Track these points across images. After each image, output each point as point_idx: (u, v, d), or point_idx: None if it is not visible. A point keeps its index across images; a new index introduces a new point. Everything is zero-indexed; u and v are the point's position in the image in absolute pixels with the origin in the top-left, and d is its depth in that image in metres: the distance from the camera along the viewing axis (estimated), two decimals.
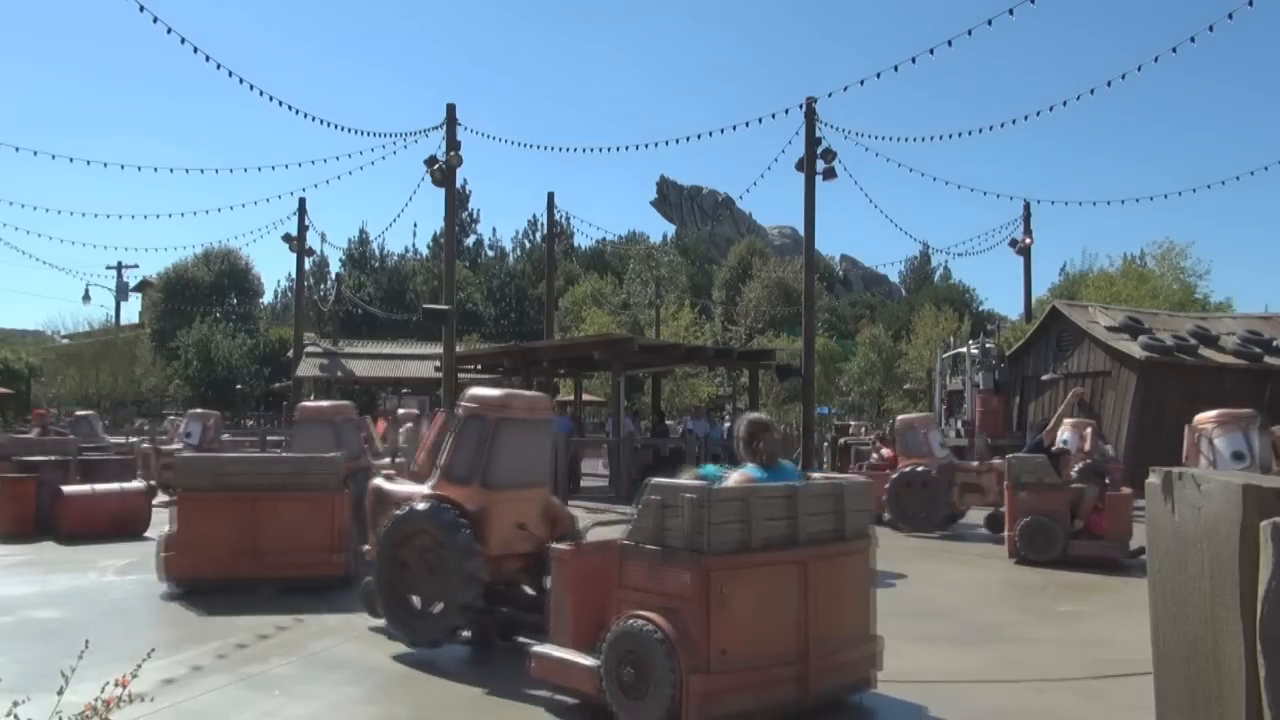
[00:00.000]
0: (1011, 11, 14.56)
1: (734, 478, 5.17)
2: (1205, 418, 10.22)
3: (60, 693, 3.08)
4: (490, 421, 6.30)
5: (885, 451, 15.39)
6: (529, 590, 6.44)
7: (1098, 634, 7.21)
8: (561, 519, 6.74)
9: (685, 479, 5.10)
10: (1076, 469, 11.11)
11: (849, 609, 5.15)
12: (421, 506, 6.21)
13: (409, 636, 6.28)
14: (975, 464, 14.20)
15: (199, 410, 20.24)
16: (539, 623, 5.65)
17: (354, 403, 16.21)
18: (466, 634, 6.42)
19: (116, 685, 3.12)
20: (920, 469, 13.52)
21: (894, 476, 13.55)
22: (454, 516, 6.06)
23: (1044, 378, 21.79)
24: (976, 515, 13.82)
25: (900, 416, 16.09)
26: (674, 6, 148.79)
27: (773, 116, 20.17)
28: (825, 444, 23.52)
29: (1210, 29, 14.75)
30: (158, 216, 51.44)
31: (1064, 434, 14.05)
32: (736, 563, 4.65)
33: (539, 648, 5.19)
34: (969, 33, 15.86)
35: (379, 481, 7.27)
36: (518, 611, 6.32)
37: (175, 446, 17.59)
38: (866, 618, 5.27)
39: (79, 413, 24.75)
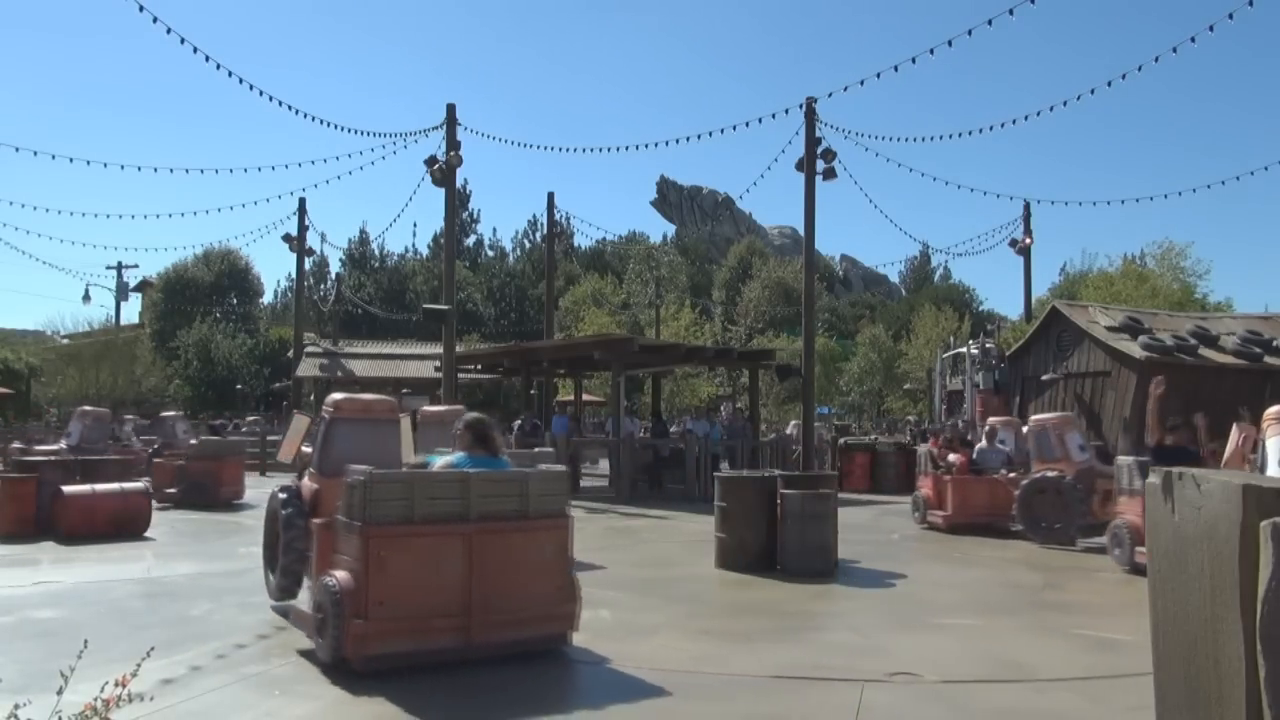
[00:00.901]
0: (1011, 12, 14.58)
1: (439, 464, 6.38)
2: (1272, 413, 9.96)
3: (60, 693, 3.08)
4: (328, 421, 7.40)
5: (954, 457, 14.27)
6: None
7: (1098, 634, 7.21)
8: None
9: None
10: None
11: (527, 576, 6.08)
12: (277, 491, 7.45)
13: (273, 595, 7.54)
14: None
15: (86, 408, 18.80)
16: None
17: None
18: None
19: (116, 685, 3.12)
20: (1053, 475, 12.51)
21: (1024, 483, 12.74)
22: (287, 499, 7.22)
23: (1044, 378, 21.78)
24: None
25: (1033, 417, 14.64)
26: (674, 7, 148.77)
27: (773, 116, 20.19)
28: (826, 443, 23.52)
29: (1210, 29, 14.77)
30: (158, 216, 51.59)
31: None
32: (394, 532, 5.70)
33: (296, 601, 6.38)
34: (969, 33, 15.88)
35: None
36: None
37: (54, 448, 16.87)
38: (554, 584, 6.19)
39: (164, 413, 24.19)
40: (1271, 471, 7.90)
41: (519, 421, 21.25)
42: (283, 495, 7.27)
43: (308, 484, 7.35)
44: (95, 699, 3.13)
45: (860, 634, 7.19)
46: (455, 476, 6.00)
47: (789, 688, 5.66)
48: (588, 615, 6.68)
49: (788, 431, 24.36)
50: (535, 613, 6.10)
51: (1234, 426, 10.08)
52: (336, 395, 7.86)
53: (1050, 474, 12.58)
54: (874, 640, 6.97)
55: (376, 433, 7.51)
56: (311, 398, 33.87)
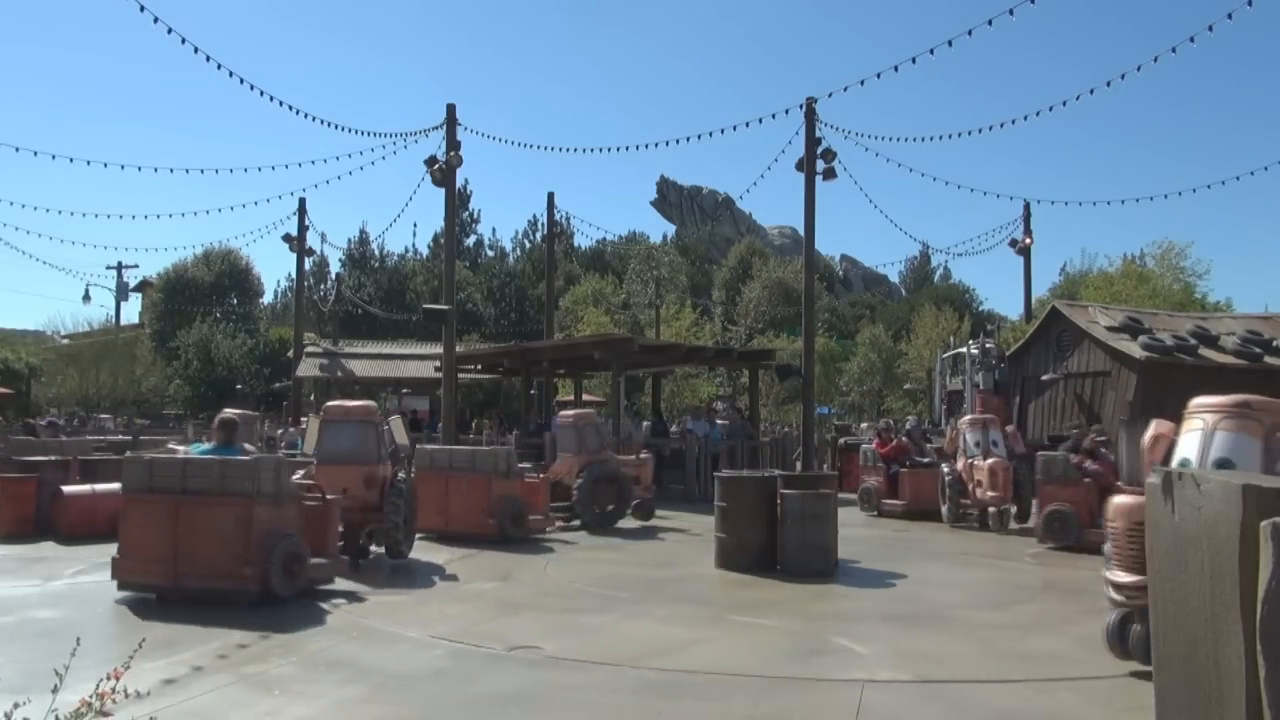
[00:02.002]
0: (1012, 11, 14.58)
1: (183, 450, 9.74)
2: (963, 421, 13.34)
3: (55, 691, 3.08)
4: (321, 421, 10.58)
5: (1091, 465, 13.13)
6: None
7: (1098, 634, 7.21)
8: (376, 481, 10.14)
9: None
10: None
11: (217, 536, 7.76)
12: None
13: None
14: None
15: None
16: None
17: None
18: None
19: (108, 678, 3.12)
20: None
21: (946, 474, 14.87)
22: None
23: (1044, 378, 21.77)
24: None
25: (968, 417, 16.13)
26: (674, 6, 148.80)
27: (773, 116, 20.19)
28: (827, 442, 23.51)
29: (1210, 29, 14.77)
30: (158, 216, 51.62)
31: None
32: (136, 498, 8.14)
33: None
34: (969, 33, 15.87)
35: None
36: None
37: None
38: (236, 547, 7.70)
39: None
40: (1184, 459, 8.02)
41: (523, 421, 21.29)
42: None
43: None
44: (91, 696, 3.13)
45: (860, 634, 7.19)
46: (178, 462, 8.27)
47: (790, 687, 5.66)
48: (589, 618, 6.65)
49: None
50: (220, 568, 7.76)
51: (1153, 421, 10.26)
52: (330, 403, 9.65)
53: (602, 462, 14.39)
54: (874, 640, 6.97)
55: (355, 430, 10.33)
56: (312, 398, 33.87)
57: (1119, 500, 6.18)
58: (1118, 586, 5.85)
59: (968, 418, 15.46)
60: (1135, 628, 5.75)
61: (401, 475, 10.57)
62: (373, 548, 10.43)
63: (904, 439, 16.80)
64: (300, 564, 7.99)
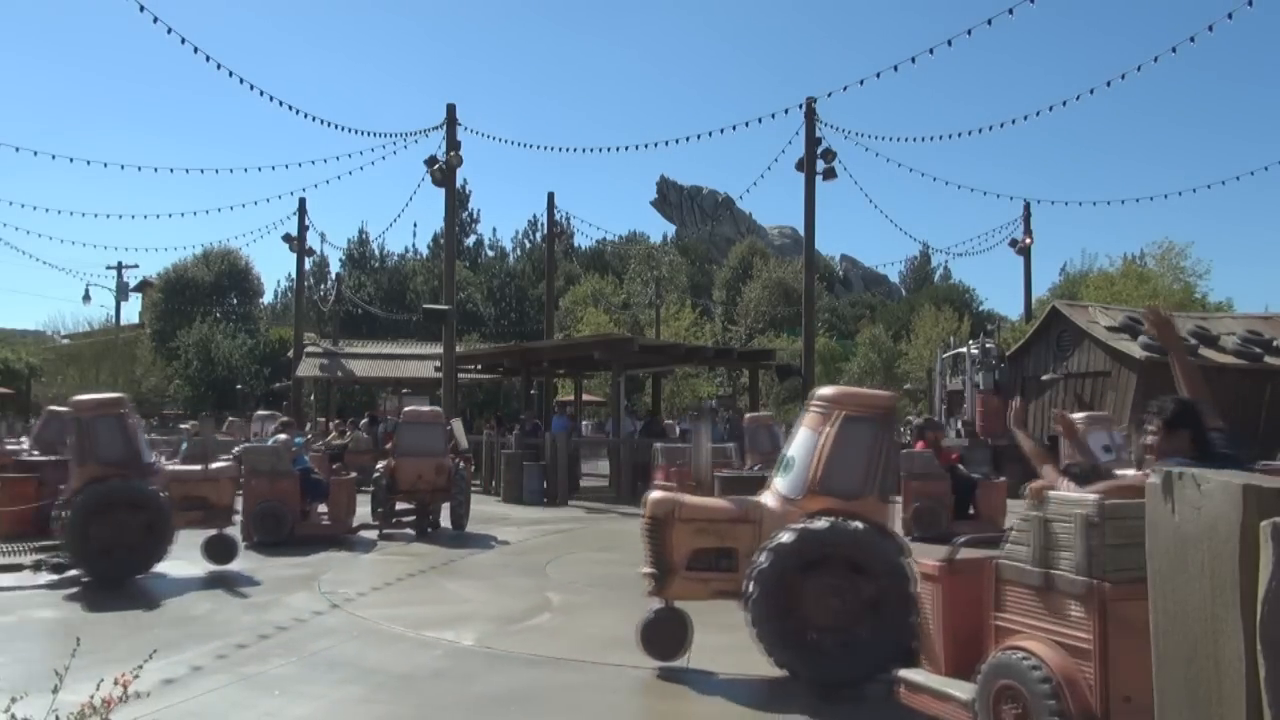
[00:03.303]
0: (1011, 11, 14.60)
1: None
2: (1075, 419, 11.09)
3: (55, 691, 3.08)
4: (400, 423, 13.25)
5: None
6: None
7: None
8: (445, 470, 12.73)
9: None
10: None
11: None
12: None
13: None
14: None
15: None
16: None
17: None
18: None
19: (116, 684, 3.12)
20: None
21: None
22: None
23: (1044, 378, 21.79)
24: None
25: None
26: (674, 6, 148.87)
27: (773, 116, 20.22)
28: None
29: (1210, 29, 14.79)
30: (158, 216, 51.69)
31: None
32: None
33: None
34: (969, 32, 15.90)
35: None
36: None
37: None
38: None
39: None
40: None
41: (520, 419, 21.31)
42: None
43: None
44: (93, 697, 3.13)
45: None
46: None
47: (790, 687, 5.66)
48: (581, 618, 6.66)
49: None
50: None
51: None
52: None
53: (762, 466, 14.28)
54: None
55: (430, 429, 13.14)
56: (312, 398, 33.87)
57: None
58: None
59: (1082, 415, 11.65)
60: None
61: (461, 465, 13.17)
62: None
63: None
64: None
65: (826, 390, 6.19)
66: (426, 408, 13.97)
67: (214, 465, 10.51)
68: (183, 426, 23.91)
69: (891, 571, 5.41)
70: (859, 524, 5.53)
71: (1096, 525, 3.82)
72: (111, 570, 8.80)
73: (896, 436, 5.71)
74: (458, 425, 13.40)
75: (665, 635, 6.04)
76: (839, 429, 5.76)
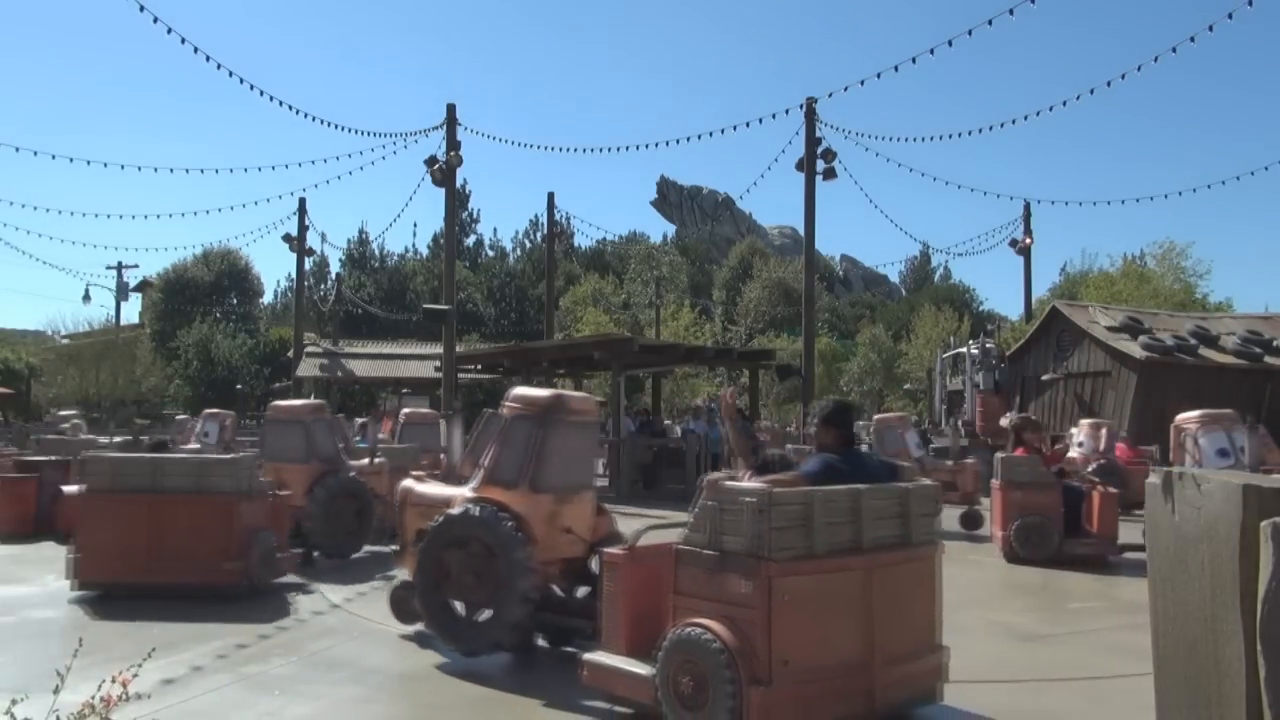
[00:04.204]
0: (1012, 11, 14.60)
1: None
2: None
3: (56, 692, 3.08)
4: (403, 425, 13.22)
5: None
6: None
7: (1097, 634, 7.21)
8: None
9: None
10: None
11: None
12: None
13: None
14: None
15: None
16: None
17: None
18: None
19: (114, 682, 3.12)
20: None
21: None
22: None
23: (1044, 378, 21.79)
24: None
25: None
26: (674, 6, 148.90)
27: (773, 116, 20.22)
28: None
29: (1210, 29, 14.79)
30: (158, 216, 51.60)
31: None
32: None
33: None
34: (969, 33, 15.89)
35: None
36: None
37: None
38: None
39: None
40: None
41: None
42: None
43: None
44: (94, 697, 3.13)
45: None
46: None
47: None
48: None
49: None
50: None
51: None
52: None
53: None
54: None
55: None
56: (311, 398, 33.85)
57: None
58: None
59: (1198, 414, 10.31)
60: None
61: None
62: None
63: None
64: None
65: (510, 391, 6.77)
66: (426, 410, 14.01)
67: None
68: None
69: (509, 557, 5.86)
70: (488, 511, 6.01)
71: (763, 511, 4.32)
72: (346, 550, 10.24)
73: (566, 434, 6.30)
74: (442, 424, 13.06)
75: (406, 602, 6.64)
76: (507, 426, 6.34)
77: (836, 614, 4.55)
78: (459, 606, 6.10)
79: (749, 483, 4.70)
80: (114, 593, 7.76)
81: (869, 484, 4.81)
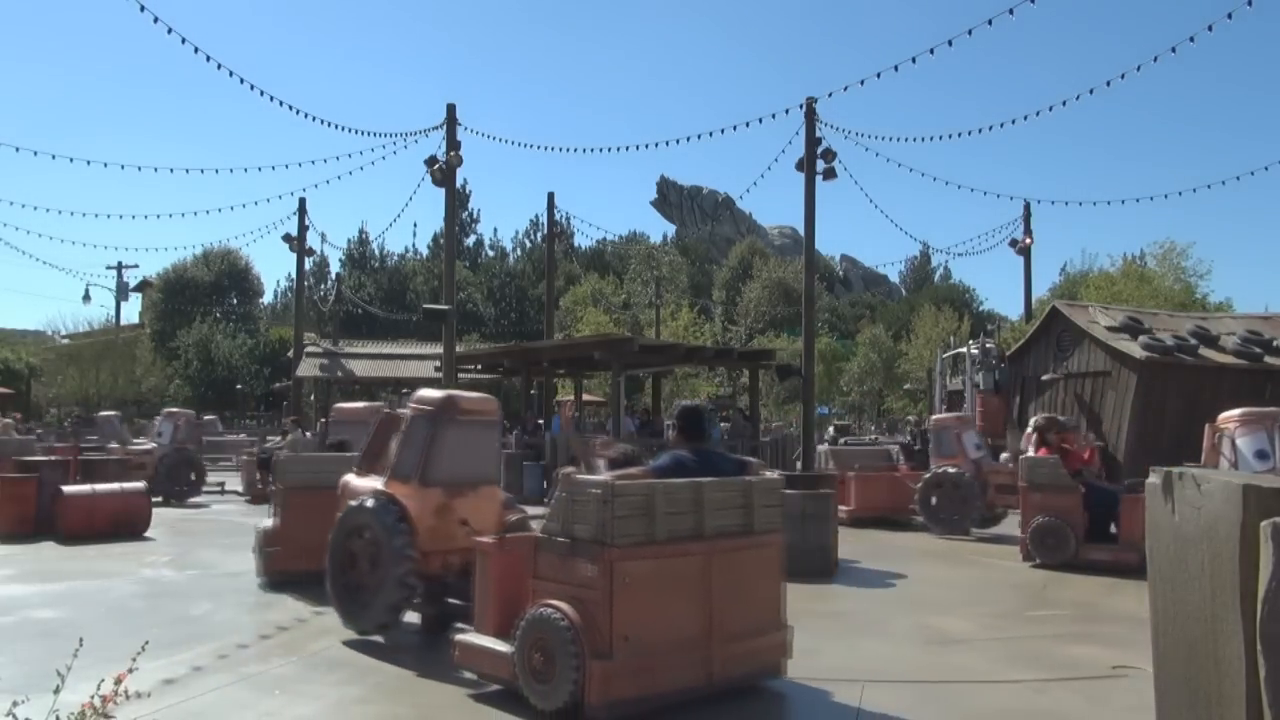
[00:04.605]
0: (1011, 11, 14.56)
1: None
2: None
3: (56, 691, 3.08)
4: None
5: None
6: None
7: (1098, 634, 7.21)
8: None
9: None
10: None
11: None
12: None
13: None
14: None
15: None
16: None
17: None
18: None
19: (115, 683, 3.12)
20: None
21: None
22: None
23: (1044, 378, 21.76)
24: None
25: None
26: (674, 6, 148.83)
27: (773, 116, 20.15)
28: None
29: (1210, 28, 14.75)
30: (158, 216, 51.50)
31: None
32: None
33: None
34: (969, 32, 15.85)
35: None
36: None
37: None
38: None
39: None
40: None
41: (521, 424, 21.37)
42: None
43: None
44: (93, 697, 3.13)
45: (860, 633, 7.19)
46: None
47: (789, 687, 5.66)
48: None
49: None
50: None
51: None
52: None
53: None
54: (873, 639, 6.97)
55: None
56: (312, 398, 33.86)
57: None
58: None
59: (1239, 412, 9.62)
60: None
61: None
62: None
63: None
64: None
65: (414, 393, 7.29)
66: (362, 404, 13.60)
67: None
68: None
69: (389, 545, 6.38)
70: (379, 503, 6.55)
71: (607, 502, 4.77)
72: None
73: (459, 432, 6.74)
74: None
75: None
76: (407, 425, 6.84)
77: (676, 595, 5.01)
78: (359, 589, 6.61)
79: (600, 476, 5.14)
80: (305, 581, 8.09)
81: (716, 478, 5.28)
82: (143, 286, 54.55)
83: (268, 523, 9.04)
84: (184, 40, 15.77)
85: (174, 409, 18.76)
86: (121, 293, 43.72)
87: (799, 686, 5.66)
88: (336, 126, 27.79)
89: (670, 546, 4.95)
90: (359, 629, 6.66)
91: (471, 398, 7.32)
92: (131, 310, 53.01)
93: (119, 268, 42.51)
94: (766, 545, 5.44)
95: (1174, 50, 15.70)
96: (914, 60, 17.01)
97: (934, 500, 13.60)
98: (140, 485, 13.12)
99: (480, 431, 6.96)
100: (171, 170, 58.44)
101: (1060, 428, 11.33)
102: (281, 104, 19.44)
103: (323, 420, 17.39)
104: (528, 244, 71.08)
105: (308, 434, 16.13)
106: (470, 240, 70.74)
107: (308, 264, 37.66)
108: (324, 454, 10.65)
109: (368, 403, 16.06)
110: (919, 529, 13.85)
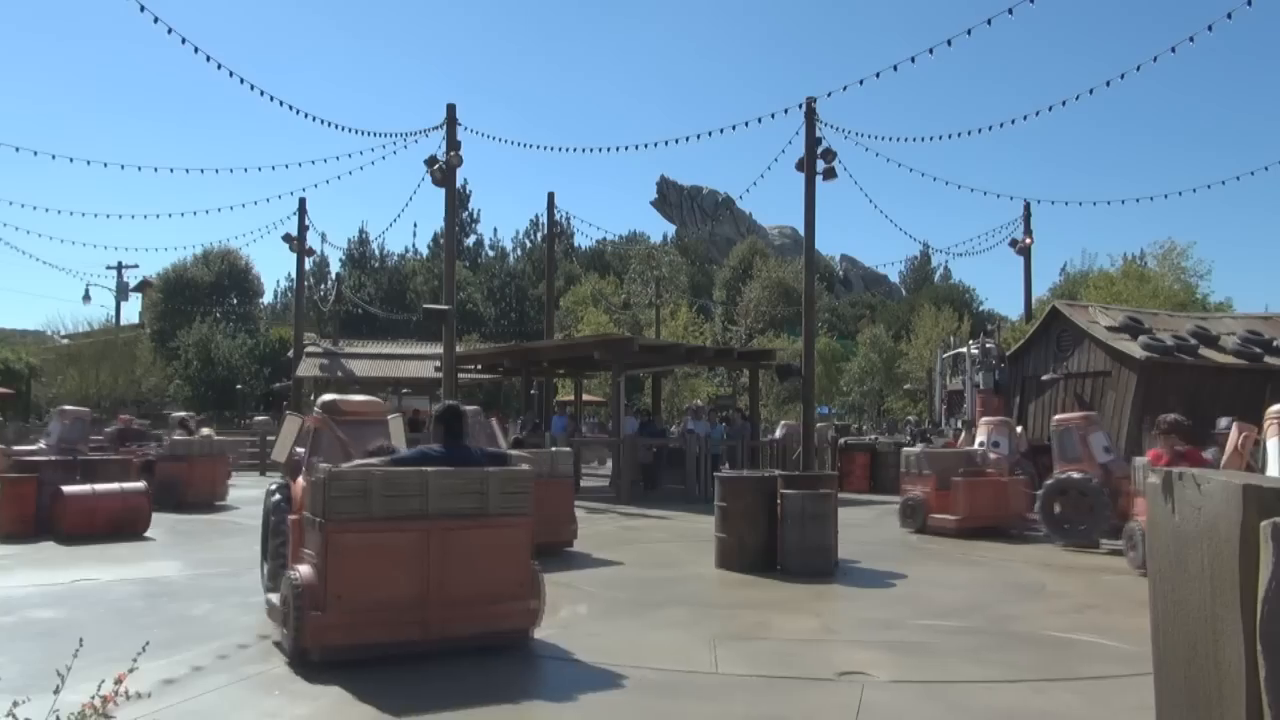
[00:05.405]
0: (1011, 11, 14.55)
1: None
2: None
3: (57, 692, 3.08)
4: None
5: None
6: None
7: (1098, 634, 7.21)
8: None
9: None
10: None
11: None
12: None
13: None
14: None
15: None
16: None
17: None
18: None
19: (115, 683, 3.12)
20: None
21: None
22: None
23: (1044, 378, 21.76)
24: None
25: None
26: (674, 7, 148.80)
27: (772, 116, 20.13)
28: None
29: (1209, 29, 14.74)
30: (158, 216, 51.42)
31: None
32: None
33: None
34: (968, 32, 15.85)
35: None
36: None
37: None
38: None
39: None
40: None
41: (520, 420, 21.36)
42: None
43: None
44: (93, 697, 3.13)
45: (860, 634, 7.19)
46: None
47: (789, 687, 5.66)
48: (583, 610, 6.65)
49: (777, 435, 24.23)
50: None
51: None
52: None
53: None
54: (874, 640, 6.97)
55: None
56: (312, 398, 33.83)
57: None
58: None
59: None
60: None
61: None
62: None
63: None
64: None
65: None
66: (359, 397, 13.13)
67: None
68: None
69: (275, 526, 7.39)
70: (279, 489, 7.65)
71: (326, 485, 5.86)
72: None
73: (344, 430, 7.74)
74: (395, 424, 12.17)
75: None
76: (304, 425, 8.01)
77: (392, 563, 5.92)
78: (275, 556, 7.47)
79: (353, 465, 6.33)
80: None
81: (449, 467, 6.22)
82: (143, 286, 54.55)
83: None
84: (184, 40, 15.77)
85: (67, 406, 17.41)
86: (121, 293, 43.75)
87: (798, 682, 5.66)
88: (336, 126, 27.81)
89: (386, 523, 5.91)
90: (268, 590, 7.46)
91: (355, 400, 8.49)
92: (131, 310, 53.05)
93: (119, 268, 42.55)
94: (504, 526, 6.23)
95: (1174, 50, 15.69)
96: (914, 60, 17.00)
97: (1057, 508, 12.36)
98: (140, 485, 13.11)
99: (364, 430, 7.91)
100: (171, 170, 58.55)
101: (1179, 429, 10.36)
102: (281, 104, 19.45)
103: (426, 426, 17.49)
104: (528, 244, 71.11)
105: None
106: (470, 240, 70.81)
107: (308, 264, 37.63)
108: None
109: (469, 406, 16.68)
110: (1035, 540, 12.61)
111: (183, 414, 23.89)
